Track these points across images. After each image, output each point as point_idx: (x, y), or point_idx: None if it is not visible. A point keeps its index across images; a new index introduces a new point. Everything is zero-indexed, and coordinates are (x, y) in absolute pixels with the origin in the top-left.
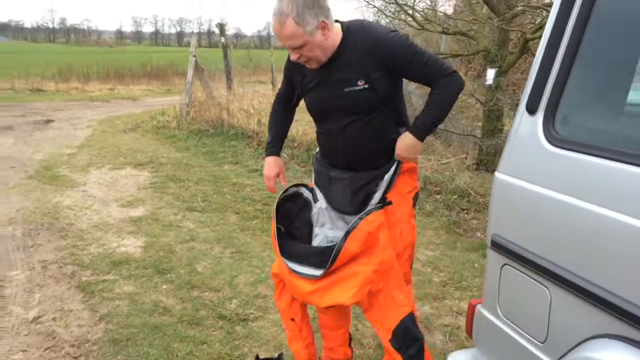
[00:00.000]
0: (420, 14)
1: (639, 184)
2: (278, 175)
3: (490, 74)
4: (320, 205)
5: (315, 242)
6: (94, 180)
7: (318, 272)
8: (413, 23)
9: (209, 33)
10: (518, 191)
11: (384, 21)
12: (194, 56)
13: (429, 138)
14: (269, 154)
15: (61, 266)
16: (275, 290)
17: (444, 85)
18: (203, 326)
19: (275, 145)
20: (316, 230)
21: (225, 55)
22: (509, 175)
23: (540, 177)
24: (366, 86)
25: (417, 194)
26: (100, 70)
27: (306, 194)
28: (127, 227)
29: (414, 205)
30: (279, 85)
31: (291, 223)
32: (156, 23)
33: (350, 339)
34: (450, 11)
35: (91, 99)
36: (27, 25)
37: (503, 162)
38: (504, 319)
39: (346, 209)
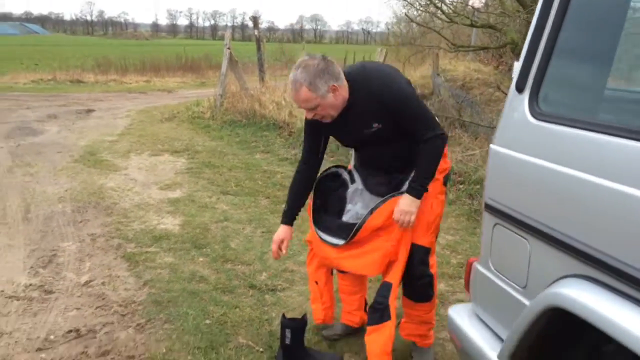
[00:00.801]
0: (449, 7)
1: (603, 149)
2: (282, 242)
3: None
4: (357, 186)
5: (346, 217)
6: (134, 165)
7: (341, 242)
8: (442, 16)
9: (243, 26)
10: (508, 160)
11: (415, 11)
12: (229, 49)
13: (457, 131)
14: (282, 221)
15: (108, 239)
16: (307, 255)
17: (430, 145)
18: (235, 293)
19: (288, 216)
20: (349, 207)
21: (259, 48)
22: (501, 146)
23: (525, 146)
24: (380, 126)
25: (447, 174)
26: (137, 63)
27: (344, 175)
28: (166, 207)
29: (444, 183)
30: None
31: (327, 199)
32: (190, 16)
33: (366, 305)
34: (478, 4)
35: (128, 91)
36: (67, 17)
37: (497, 135)
38: (495, 271)
39: (381, 191)
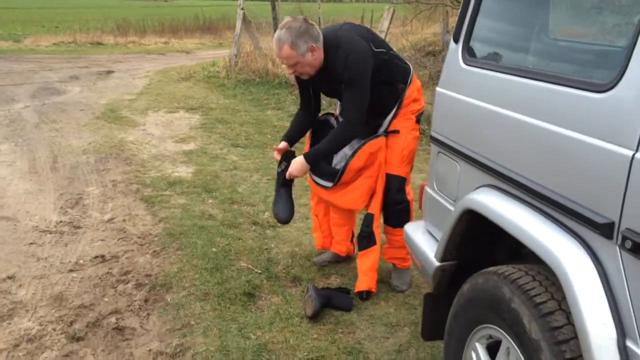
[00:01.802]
0: None
1: (512, 87)
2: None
3: None
4: None
5: (336, 159)
6: (152, 121)
7: (330, 184)
8: None
9: None
10: (446, 99)
11: None
12: (242, 9)
13: None
14: (283, 138)
15: (127, 184)
16: (311, 193)
17: (339, 127)
18: (240, 228)
19: (290, 135)
20: None
21: (273, 8)
22: (442, 88)
23: (457, 87)
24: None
25: (421, 113)
26: (156, 25)
27: (332, 120)
28: (180, 158)
29: (417, 121)
30: None
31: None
32: None
33: (353, 236)
34: None
35: (147, 52)
36: None
37: (440, 79)
38: (437, 191)
39: (360, 135)
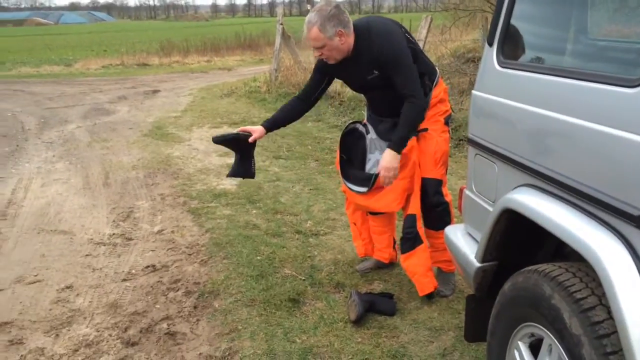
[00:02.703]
0: None
1: (548, 87)
2: (248, 134)
3: None
4: (371, 136)
5: (369, 165)
6: (196, 137)
7: (365, 189)
8: None
9: (299, 1)
10: (482, 101)
11: None
12: (281, 24)
13: None
14: (262, 124)
15: (175, 198)
16: (345, 202)
17: (407, 106)
18: (283, 237)
19: (268, 122)
20: (369, 155)
21: None
22: (478, 90)
23: (493, 89)
24: (378, 74)
25: (448, 115)
26: (198, 44)
27: (360, 128)
28: (224, 171)
29: (446, 123)
30: None
31: (350, 152)
32: None
33: (394, 243)
34: None
35: (191, 71)
36: (131, 4)
37: (476, 82)
38: (476, 192)
39: (390, 138)
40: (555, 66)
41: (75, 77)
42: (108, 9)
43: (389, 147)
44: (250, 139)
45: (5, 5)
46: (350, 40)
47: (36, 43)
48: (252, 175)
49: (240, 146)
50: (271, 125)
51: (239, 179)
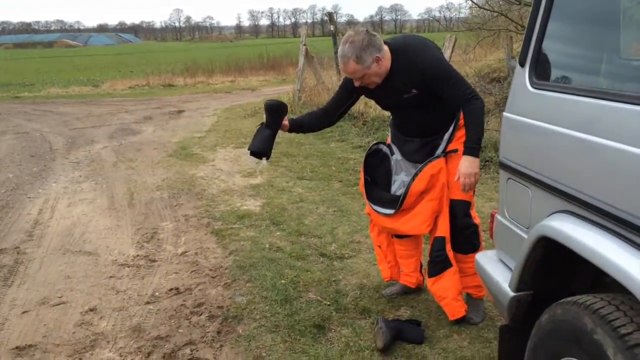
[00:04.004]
0: None
1: (584, 110)
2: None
3: None
4: (396, 157)
5: (394, 187)
6: (220, 157)
7: (392, 211)
8: None
9: (322, 22)
10: (514, 123)
11: None
12: (304, 45)
13: None
14: None
15: (199, 219)
16: (370, 225)
17: (469, 109)
18: (307, 260)
19: (293, 120)
20: (394, 177)
21: (335, 43)
22: (510, 112)
23: (526, 111)
24: (417, 92)
25: None
26: (222, 65)
27: (384, 149)
28: (248, 192)
29: None
30: None
31: (375, 173)
32: (272, 16)
33: (421, 267)
34: None
35: (215, 91)
36: (157, 25)
37: (507, 104)
38: (509, 218)
39: (417, 159)
40: (593, 88)
41: (103, 98)
42: (135, 30)
43: (466, 153)
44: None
45: (36, 27)
46: (387, 62)
47: (65, 64)
48: (269, 156)
49: (276, 120)
50: (294, 125)
51: (262, 200)
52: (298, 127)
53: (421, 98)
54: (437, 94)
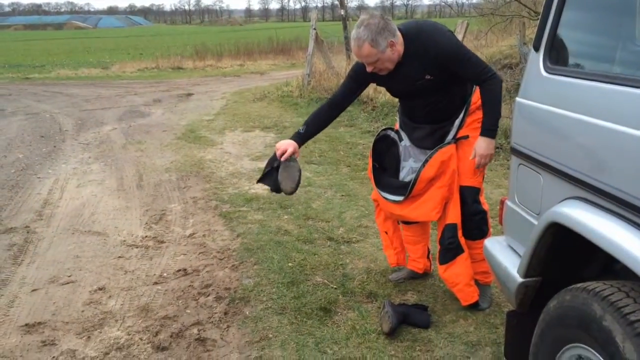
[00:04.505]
0: None
1: (598, 95)
2: (284, 152)
3: None
4: (405, 143)
5: (403, 173)
6: (229, 140)
7: (401, 198)
8: None
9: (332, 6)
10: (527, 108)
11: None
12: (314, 29)
13: None
14: (291, 137)
15: (207, 201)
16: (375, 211)
17: (487, 89)
18: (315, 244)
19: (300, 136)
20: (403, 163)
21: (345, 27)
22: (523, 98)
23: (539, 96)
24: (432, 78)
25: None
26: (232, 48)
27: (392, 134)
28: (256, 175)
29: None
30: None
31: (383, 159)
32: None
33: (429, 252)
34: None
35: (224, 75)
36: (167, 8)
37: (520, 89)
38: (519, 204)
39: (427, 145)
40: (609, 73)
41: (112, 80)
42: (145, 13)
43: (483, 134)
44: (287, 155)
45: (46, 9)
46: (400, 47)
47: (75, 46)
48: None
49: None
50: (303, 141)
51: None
52: (308, 139)
53: (434, 83)
54: (453, 75)
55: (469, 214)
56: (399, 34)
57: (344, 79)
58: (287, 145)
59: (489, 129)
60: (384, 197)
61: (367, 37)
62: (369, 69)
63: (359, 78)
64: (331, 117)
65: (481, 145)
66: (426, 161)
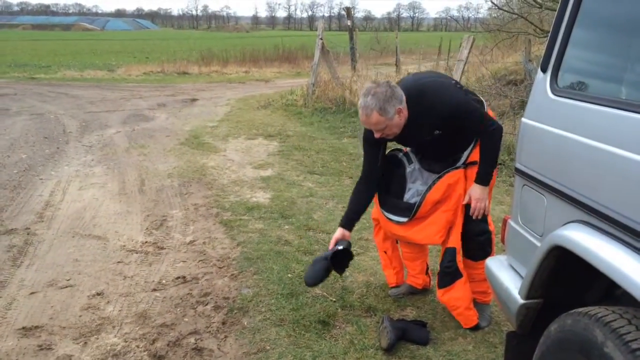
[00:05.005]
0: None
1: (606, 119)
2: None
3: None
4: (414, 166)
5: (408, 195)
6: (232, 148)
7: (405, 219)
8: (531, 1)
9: (339, 16)
10: (533, 130)
11: None
12: (321, 39)
13: None
14: (340, 224)
15: (208, 208)
16: (374, 229)
17: (488, 139)
18: (315, 255)
19: (347, 221)
20: (409, 185)
21: (351, 38)
22: (528, 118)
23: (545, 118)
24: (441, 132)
25: None
26: (238, 55)
27: (400, 156)
28: (258, 184)
29: None
30: (403, 67)
31: (389, 180)
32: (289, 8)
33: (427, 269)
34: None
35: (229, 81)
36: (174, 13)
37: (526, 110)
38: (522, 225)
39: (436, 170)
40: (616, 98)
41: (117, 83)
42: (152, 17)
43: (477, 181)
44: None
45: (54, 9)
46: (406, 112)
47: (82, 47)
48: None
49: (341, 265)
50: (350, 224)
51: (272, 193)
52: (355, 222)
53: (444, 134)
54: (458, 127)
55: (473, 234)
56: (404, 98)
57: (364, 153)
58: (336, 237)
59: (484, 177)
60: (388, 218)
61: (375, 106)
62: (376, 135)
63: (372, 143)
64: (370, 193)
65: (476, 191)
66: (433, 183)
